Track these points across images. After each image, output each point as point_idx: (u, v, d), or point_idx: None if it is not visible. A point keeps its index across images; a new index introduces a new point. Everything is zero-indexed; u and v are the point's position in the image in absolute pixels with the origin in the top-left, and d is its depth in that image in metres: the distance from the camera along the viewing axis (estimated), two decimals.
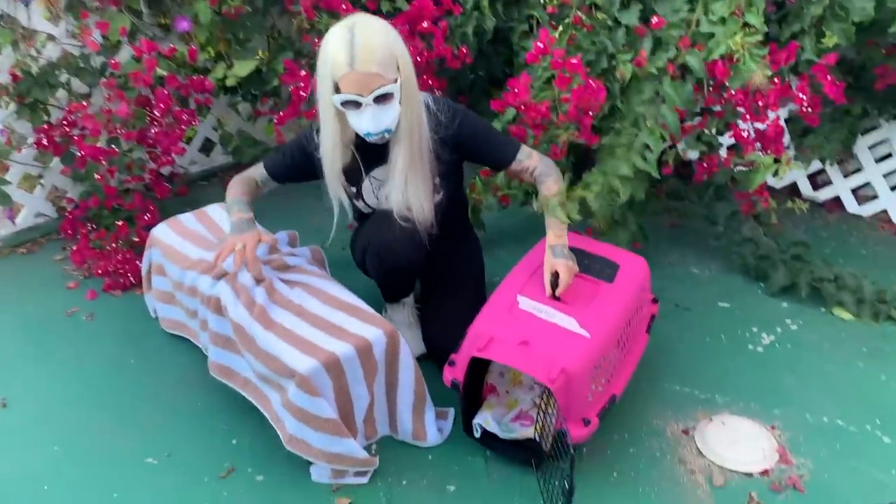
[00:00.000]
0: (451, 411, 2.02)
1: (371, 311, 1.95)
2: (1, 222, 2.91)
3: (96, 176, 2.68)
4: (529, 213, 3.09)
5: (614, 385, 1.90)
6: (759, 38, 2.19)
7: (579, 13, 2.34)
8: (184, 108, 2.82)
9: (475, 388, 1.96)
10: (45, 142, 2.70)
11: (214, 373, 2.02)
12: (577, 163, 2.84)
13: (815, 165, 3.09)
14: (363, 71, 1.76)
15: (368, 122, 1.83)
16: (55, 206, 3.10)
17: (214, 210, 2.45)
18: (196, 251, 2.21)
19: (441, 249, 2.17)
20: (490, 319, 1.90)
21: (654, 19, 2.37)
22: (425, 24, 2.79)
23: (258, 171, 2.19)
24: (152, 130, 2.79)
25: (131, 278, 2.60)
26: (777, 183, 3.27)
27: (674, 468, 1.86)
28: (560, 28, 2.36)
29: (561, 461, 1.71)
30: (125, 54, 3.00)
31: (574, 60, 2.22)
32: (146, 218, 2.70)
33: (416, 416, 1.93)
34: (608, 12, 2.47)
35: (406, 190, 1.97)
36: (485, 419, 1.92)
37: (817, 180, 3.26)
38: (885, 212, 3.08)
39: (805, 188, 3.22)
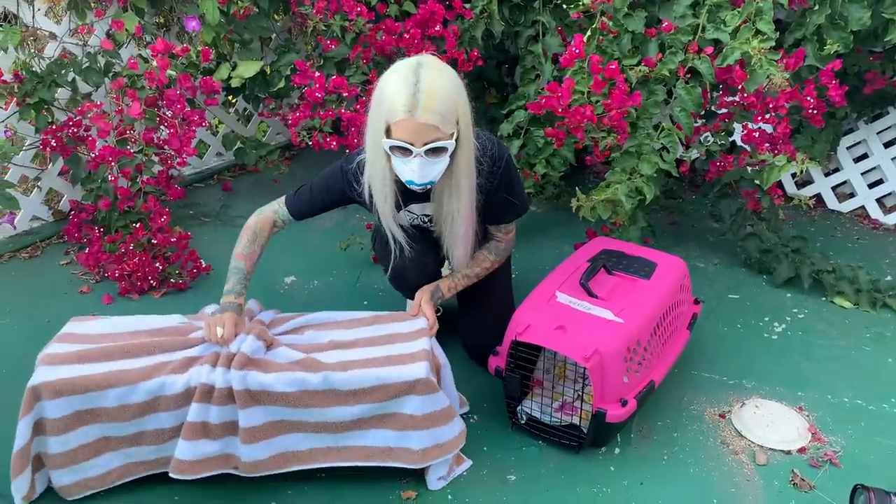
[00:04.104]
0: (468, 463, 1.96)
1: (398, 312, 1.99)
2: (1, 227, 2.81)
3: (110, 178, 2.62)
4: (559, 209, 3.22)
5: (653, 372, 2.00)
6: (772, 43, 2.34)
7: (605, 19, 2.43)
8: (193, 109, 2.79)
9: (521, 381, 2.03)
10: (52, 143, 2.63)
11: (255, 472, 1.76)
12: (574, 167, 2.96)
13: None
14: (422, 121, 1.64)
15: (414, 173, 1.72)
16: (51, 210, 3.02)
17: (80, 325, 1.89)
18: (137, 362, 1.75)
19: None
20: (529, 309, 1.99)
21: (665, 23, 2.49)
22: (437, 28, 2.85)
23: (280, 210, 2.02)
24: (161, 131, 2.75)
25: (151, 281, 2.55)
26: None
27: (718, 450, 1.96)
28: (588, 33, 2.45)
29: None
30: (125, 54, 2.95)
31: (612, 66, 2.31)
32: (161, 220, 2.65)
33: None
34: (614, 19, 2.58)
35: (455, 240, 1.95)
36: (530, 406, 2.00)
37: (797, 180, 3.45)
38: (862, 208, 3.30)
39: (789, 187, 3.41)
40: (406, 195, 1.93)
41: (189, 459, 1.71)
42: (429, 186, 1.81)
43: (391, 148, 1.71)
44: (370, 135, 1.76)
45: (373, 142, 1.76)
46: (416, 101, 1.63)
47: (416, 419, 1.75)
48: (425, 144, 1.67)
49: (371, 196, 1.89)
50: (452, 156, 1.76)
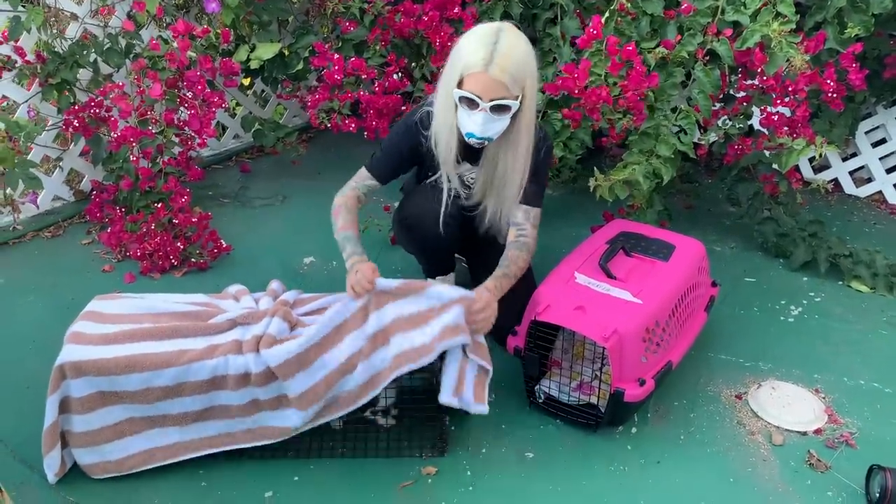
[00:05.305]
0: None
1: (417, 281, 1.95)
2: (24, 206, 2.85)
3: (131, 158, 2.65)
4: (575, 192, 3.22)
5: (671, 352, 2.01)
6: (793, 26, 2.33)
7: (624, 0, 2.42)
8: (213, 91, 2.81)
9: (540, 360, 2.05)
10: (75, 123, 2.66)
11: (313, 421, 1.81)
12: (590, 150, 2.96)
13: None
14: (493, 76, 1.76)
15: (477, 125, 1.83)
16: (72, 190, 3.05)
17: (104, 304, 1.91)
18: (161, 345, 1.77)
19: (491, 237, 2.24)
20: (549, 290, 2.01)
21: (684, 5, 2.48)
22: (456, 11, 2.85)
23: (362, 182, 2.09)
24: (181, 113, 2.78)
25: (172, 260, 2.58)
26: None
27: (734, 430, 1.98)
28: (606, 15, 2.45)
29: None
30: (145, 35, 2.97)
31: (630, 47, 2.32)
32: (182, 200, 2.68)
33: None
34: (633, 1, 2.57)
35: (504, 200, 2.01)
36: (548, 385, 2.03)
37: (813, 164, 3.45)
38: (880, 192, 3.29)
39: (806, 171, 3.41)
40: (463, 154, 2.02)
41: (249, 429, 1.80)
42: (486, 143, 1.91)
43: (460, 99, 1.82)
44: (442, 87, 1.88)
45: (444, 93, 1.88)
46: (491, 58, 1.76)
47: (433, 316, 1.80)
48: (492, 100, 1.79)
49: (433, 148, 2.00)
50: (514, 119, 1.87)
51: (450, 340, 1.77)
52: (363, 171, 2.10)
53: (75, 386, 1.71)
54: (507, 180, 1.98)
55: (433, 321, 1.79)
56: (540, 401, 2.03)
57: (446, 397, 1.78)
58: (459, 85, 1.81)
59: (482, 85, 1.78)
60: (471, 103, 1.81)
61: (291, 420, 1.78)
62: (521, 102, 1.84)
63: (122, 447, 1.77)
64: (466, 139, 1.91)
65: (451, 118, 1.90)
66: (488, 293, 1.88)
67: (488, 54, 1.76)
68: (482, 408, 1.82)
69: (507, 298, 2.17)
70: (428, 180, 2.14)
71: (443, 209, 2.07)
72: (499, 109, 1.81)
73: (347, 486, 1.78)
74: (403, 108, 2.92)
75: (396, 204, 3.05)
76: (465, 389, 1.81)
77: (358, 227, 2.03)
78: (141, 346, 1.75)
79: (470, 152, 2.03)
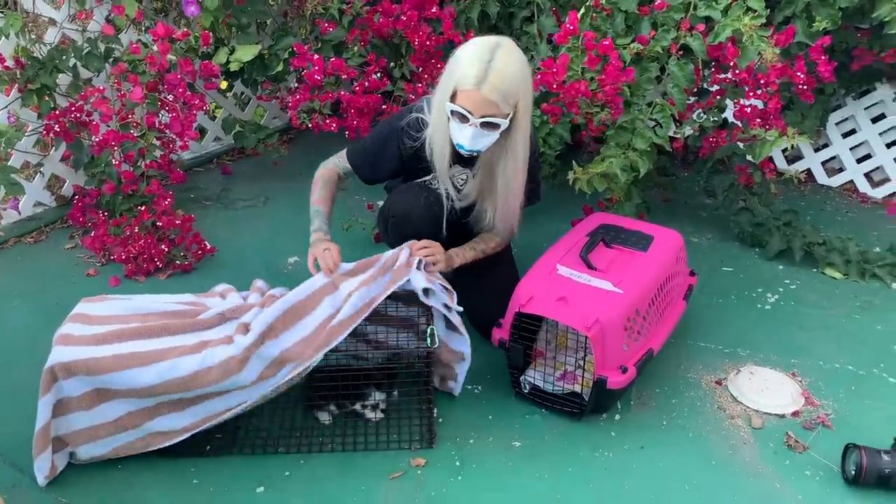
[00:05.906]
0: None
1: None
2: (6, 212, 2.84)
3: (114, 161, 2.65)
4: (555, 187, 3.26)
5: (651, 340, 2.06)
6: (763, 20, 2.39)
7: None
8: (194, 93, 2.82)
9: (524, 351, 2.09)
10: (56, 128, 2.66)
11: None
12: (569, 146, 3.01)
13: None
14: (485, 94, 1.81)
15: (466, 139, 1.90)
16: (53, 195, 3.05)
17: (91, 306, 1.92)
18: (149, 343, 1.78)
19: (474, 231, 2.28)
20: (532, 282, 2.05)
21: (658, 1, 2.53)
22: (434, 10, 2.88)
23: (340, 163, 2.21)
24: (162, 116, 2.79)
25: (156, 263, 2.59)
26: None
27: (715, 415, 2.03)
28: (582, 11, 2.50)
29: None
30: (124, 39, 2.97)
31: (606, 42, 2.36)
32: (165, 203, 2.69)
33: None
34: None
35: (504, 211, 2.10)
36: (532, 376, 2.07)
37: (787, 155, 3.52)
38: (851, 182, 3.38)
39: (780, 162, 3.48)
40: (454, 157, 2.07)
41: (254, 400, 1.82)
42: (475, 154, 1.98)
43: (452, 112, 1.88)
44: (438, 96, 1.93)
45: (439, 103, 1.93)
46: (485, 76, 1.80)
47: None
48: (482, 117, 1.84)
49: (422, 152, 2.06)
50: (510, 136, 1.93)
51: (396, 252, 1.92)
52: (343, 153, 2.21)
53: (68, 386, 1.74)
54: (510, 192, 2.04)
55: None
56: (525, 391, 2.07)
57: (419, 282, 1.87)
58: (452, 98, 1.86)
59: (473, 102, 1.83)
60: (462, 117, 1.87)
61: (283, 373, 1.80)
62: (513, 118, 1.89)
63: (122, 439, 1.81)
64: (457, 149, 1.98)
65: (445, 126, 1.95)
66: (443, 248, 2.01)
67: (482, 72, 1.80)
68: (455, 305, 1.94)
69: (491, 291, 2.22)
70: (416, 180, 2.17)
71: (445, 213, 2.11)
72: (489, 126, 1.87)
73: (338, 480, 1.81)
74: (384, 106, 2.95)
75: (380, 202, 3.08)
76: (434, 280, 1.92)
77: (330, 204, 2.14)
78: (130, 345, 1.77)
79: (462, 156, 2.07)
